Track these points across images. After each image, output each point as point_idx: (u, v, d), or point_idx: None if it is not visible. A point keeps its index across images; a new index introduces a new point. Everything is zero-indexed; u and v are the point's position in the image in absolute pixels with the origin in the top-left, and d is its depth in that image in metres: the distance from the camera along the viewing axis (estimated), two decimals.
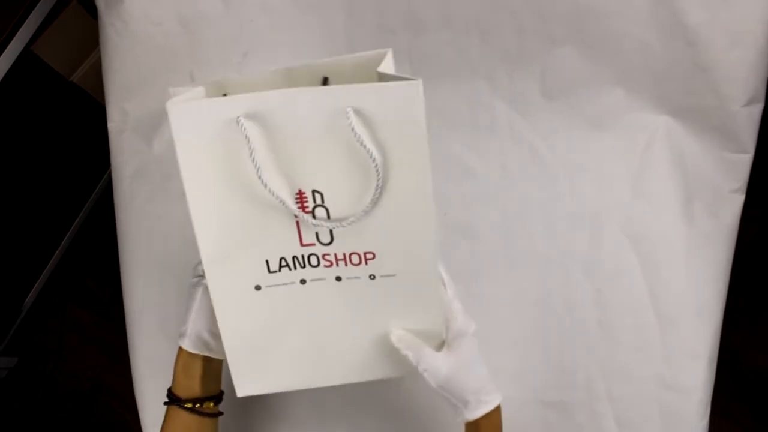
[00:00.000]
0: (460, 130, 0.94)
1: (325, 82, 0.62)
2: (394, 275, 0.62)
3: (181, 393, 0.71)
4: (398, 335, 0.65)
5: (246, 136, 0.55)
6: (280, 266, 0.63)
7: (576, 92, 0.92)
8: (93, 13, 1.50)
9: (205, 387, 0.73)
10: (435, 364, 0.63)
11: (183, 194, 0.95)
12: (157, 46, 0.98)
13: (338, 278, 0.63)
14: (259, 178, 0.56)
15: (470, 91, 0.93)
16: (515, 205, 0.94)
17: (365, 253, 0.61)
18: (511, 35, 0.90)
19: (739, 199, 0.89)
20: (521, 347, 0.90)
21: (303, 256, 0.62)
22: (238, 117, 0.54)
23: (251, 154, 0.55)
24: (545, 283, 0.91)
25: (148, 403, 0.99)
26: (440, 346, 0.66)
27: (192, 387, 0.72)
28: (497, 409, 0.66)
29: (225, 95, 0.62)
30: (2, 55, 1.26)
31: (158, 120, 1.01)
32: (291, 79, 0.63)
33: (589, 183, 0.92)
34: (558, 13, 0.88)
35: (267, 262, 0.63)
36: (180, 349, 0.71)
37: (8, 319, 2.04)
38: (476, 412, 0.64)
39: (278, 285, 0.64)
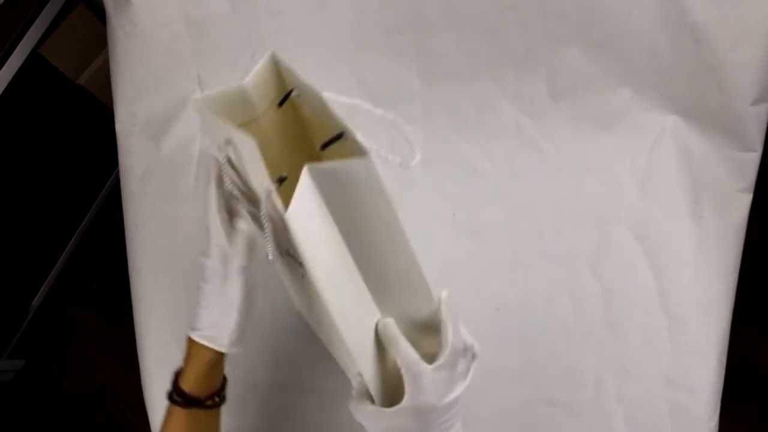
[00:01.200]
0: (468, 131, 0.94)
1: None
2: None
3: (202, 392, 0.67)
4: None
5: (217, 160, 0.58)
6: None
7: (583, 93, 0.92)
8: (99, 15, 1.51)
9: (221, 378, 0.71)
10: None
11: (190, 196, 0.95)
12: (164, 47, 0.98)
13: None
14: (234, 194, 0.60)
15: (477, 92, 0.94)
16: (523, 206, 0.94)
17: None
18: (517, 36, 0.90)
19: (747, 198, 0.89)
20: (529, 346, 0.90)
21: None
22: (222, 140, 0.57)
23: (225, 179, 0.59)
24: (553, 283, 0.91)
25: (158, 403, 0.99)
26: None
27: (214, 384, 0.69)
28: None
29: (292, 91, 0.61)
30: (11, 58, 1.26)
31: (166, 121, 1.02)
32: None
33: (597, 183, 0.92)
34: (564, 13, 0.88)
35: None
36: (204, 350, 0.66)
37: (15, 322, 2.05)
38: None
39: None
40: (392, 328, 0.57)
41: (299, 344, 0.96)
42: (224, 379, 0.72)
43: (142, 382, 1.01)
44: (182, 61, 0.99)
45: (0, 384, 2.10)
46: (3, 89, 1.30)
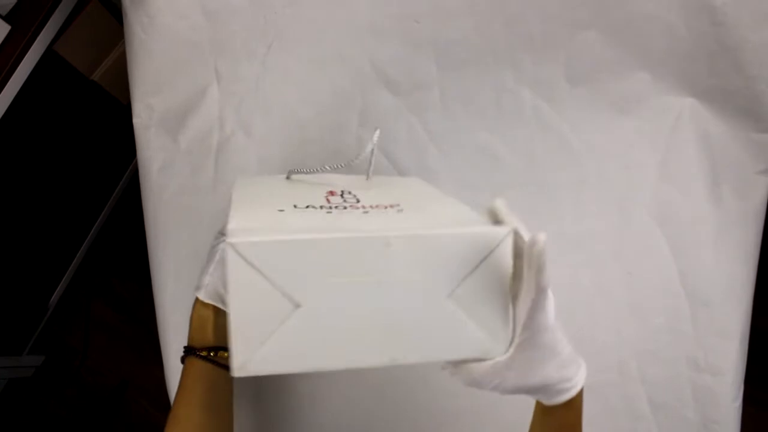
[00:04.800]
0: (486, 117, 0.94)
1: None
2: None
3: (197, 343, 0.73)
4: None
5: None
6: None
7: (601, 77, 0.92)
8: (113, 12, 1.51)
9: (219, 338, 0.74)
10: (497, 381, 0.54)
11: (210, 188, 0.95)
12: (182, 40, 0.98)
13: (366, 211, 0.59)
14: None
15: (495, 79, 0.93)
16: (542, 191, 0.94)
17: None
18: (535, 21, 0.90)
19: (766, 180, 0.89)
20: None
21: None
22: None
23: None
24: (574, 267, 0.92)
25: None
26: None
27: (206, 337, 0.73)
28: (577, 396, 0.58)
29: None
30: (27, 55, 1.27)
31: (184, 114, 1.02)
32: None
33: (616, 167, 0.92)
34: None
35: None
36: (196, 302, 0.75)
37: (34, 319, 2.06)
38: (554, 400, 0.57)
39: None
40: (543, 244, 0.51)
41: None
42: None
43: (165, 376, 1.01)
44: (199, 54, 0.99)
45: (20, 380, 2.12)
46: (20, 87, 1.31)
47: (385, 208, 0.60)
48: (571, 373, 0.56)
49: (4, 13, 1.21)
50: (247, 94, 1.00)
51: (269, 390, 0.98)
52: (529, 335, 0.52)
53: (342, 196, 0.64)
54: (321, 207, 0.60)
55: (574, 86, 0.92)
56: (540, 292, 0.50)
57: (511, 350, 0.53)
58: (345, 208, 0.60)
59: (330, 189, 0.67)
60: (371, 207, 0.60)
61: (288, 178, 0.75)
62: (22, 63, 1.27)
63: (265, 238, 0.49)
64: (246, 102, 1.00)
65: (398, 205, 0.61)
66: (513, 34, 0.91)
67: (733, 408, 0.88)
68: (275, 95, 0.99)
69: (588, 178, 0.93)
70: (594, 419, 0.90)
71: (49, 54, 1.36)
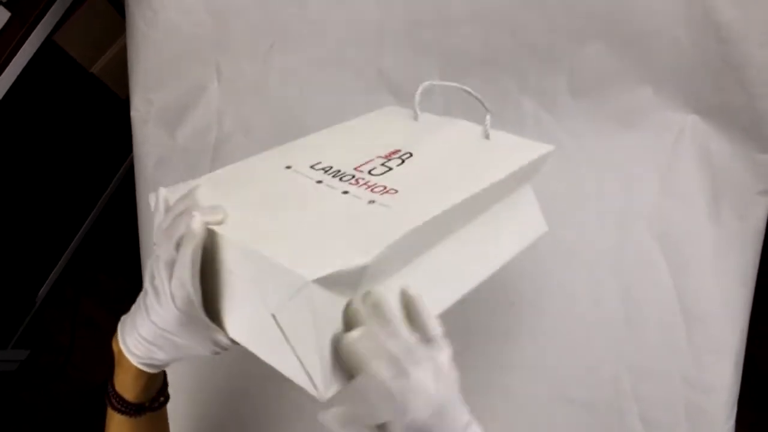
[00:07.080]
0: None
1: None
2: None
3: (144, 399, 0.62)
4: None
5: None
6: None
7: (604, 90, 0.92)
8: (114, 4, 1.51)
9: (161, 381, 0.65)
10: None
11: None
12: (184, 35, 0.98)
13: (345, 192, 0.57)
14: None
15: (498, 87, 0.93)
16: (541, 201, 0.92)
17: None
18: (540, 31, 0.90)
19: (766, 201, 0.89)
20: (546, 343, 0.90)
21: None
22: None
23: None
24: (571, 280, 0.91)
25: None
26: None
27: (155, 388, 0.64)
28: None
29: None
30: (25, 44, 1.26)
31: (182, 110, 1.02)
32: None
33: (616, 181, 0.92)
34: (588, 9, 0.88)
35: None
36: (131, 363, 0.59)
37: (21, 312, 2.04)
38: None
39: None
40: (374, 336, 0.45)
41: None
42: (164, 378, 0.66)
43: None
44: (201, 50, 0.99)
45: (4, 374, 2.09)
46: (17, 75, 1.30)
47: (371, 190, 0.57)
48: None
49: (4, 0, 1.20)
50: (247, 93, 1.00)
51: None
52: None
53: (379, 166, 0.63)
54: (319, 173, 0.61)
55: (577, 98, 0.92)
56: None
57: None
58: (333, 179, 0.59)
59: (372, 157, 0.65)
60: (359, 186, 0.58)
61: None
62: (20, 51, 1.27)
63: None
64: (246, 100, 1.00)
65: (395, 190, 0.57)
66: (518, 44, 0.91)
67: (726, 428, 0.87)
68: (276, 95, 0.99)
69: (587, 191, 0.92)
70: None
71: (48, 44, 1.35)
